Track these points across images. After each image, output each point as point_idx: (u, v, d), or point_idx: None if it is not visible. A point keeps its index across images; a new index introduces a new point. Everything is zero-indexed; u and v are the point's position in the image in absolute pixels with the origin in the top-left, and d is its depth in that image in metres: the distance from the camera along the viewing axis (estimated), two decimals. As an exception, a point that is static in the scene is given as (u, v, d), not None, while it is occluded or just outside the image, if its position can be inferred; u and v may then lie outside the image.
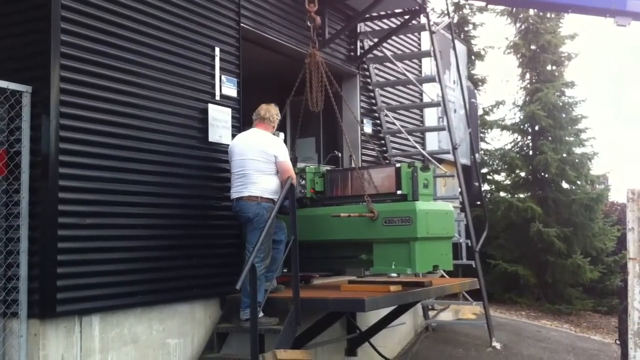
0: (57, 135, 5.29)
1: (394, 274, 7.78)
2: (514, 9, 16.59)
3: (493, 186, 17.42)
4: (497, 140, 19.62)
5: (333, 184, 7.43)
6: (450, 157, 10.69)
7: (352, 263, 7.80)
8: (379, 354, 8.78)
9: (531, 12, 16.78)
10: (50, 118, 5.26)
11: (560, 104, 16.51)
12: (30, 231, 5.24)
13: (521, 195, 16.41)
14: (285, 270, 7.05)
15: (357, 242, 6.99)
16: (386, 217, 6.70)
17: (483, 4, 9.42)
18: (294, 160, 7.99)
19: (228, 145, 6.83)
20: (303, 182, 7.35)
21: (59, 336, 5.24)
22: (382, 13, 10.16)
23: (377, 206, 6.78)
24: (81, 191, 5.49)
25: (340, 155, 9.57)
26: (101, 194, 5.66)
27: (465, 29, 18.24)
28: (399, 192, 6.87)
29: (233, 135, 6.97)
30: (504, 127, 17.17)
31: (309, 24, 7.46)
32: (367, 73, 10.22)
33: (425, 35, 11.26)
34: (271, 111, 6.79)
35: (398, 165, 7.06)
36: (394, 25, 10.30)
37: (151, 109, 6.19)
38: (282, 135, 7.60)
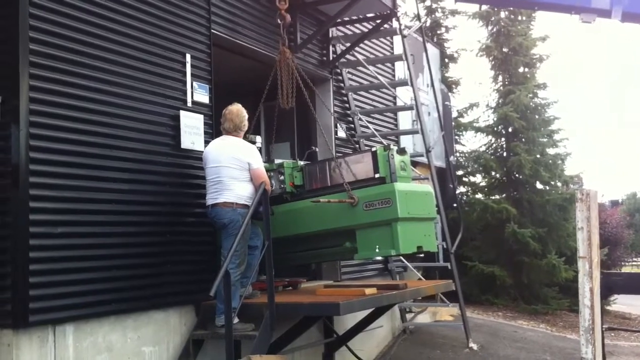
0: (27, 144, 5.25)
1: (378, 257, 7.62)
2: (483, 8, 16.70)
3: (469, 188, 17.54)
4: (472, 142, 19.77)
5: (312, 176, 7.34)
6: (425, 160, 10.75)
7: (336, 253, 7.71)
8: (357, 357, 8.79)
9: (502, 14, 16.97)
10: (20, 127, 5.22)
11: (533, 105, 16.70)
12: (1, 241, 5.21)
13: (496, 197, 16.54)
14: (263, 278, 7.03)
15: (340, 230, 6.92)
16: (366, 201, 6.66)
17: (452, 2, 9.56)
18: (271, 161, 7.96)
19: (201, 151, 6.82)
20: (282, 177, 7.25)
21: (32, 346, 5.20)
22: (354, 17, 10.21)
23: (357, 192, 6.74)
24: (52, 200, 5.46)
25: (317, 150, 9.51)
26: (73, 202, 5.62)
27: (438, 32, 18.35)
28: (376, 175, 6.83)
29: (206, 142, 6.96)
30: (478, 129, 17.33)
31: (279, 21, 7.46)
32: (340, 77, 10.24)
33: (397, 39, 11.32)
34: (243, 117, 6.75)
35: (374, 149, 7.05)
36: (365, 30, 10.37)
37: (123, 117, 6.17)
38: (259, 138, 7.52)
